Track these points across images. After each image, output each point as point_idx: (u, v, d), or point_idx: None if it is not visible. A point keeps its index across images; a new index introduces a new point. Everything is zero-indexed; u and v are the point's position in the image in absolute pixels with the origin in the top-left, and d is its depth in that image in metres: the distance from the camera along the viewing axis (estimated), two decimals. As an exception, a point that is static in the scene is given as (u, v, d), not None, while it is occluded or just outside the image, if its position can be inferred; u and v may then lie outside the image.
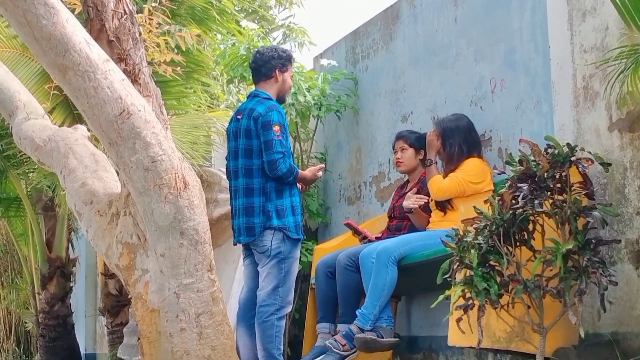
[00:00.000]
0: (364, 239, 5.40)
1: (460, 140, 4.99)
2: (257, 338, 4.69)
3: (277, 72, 4.89)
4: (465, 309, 3.90)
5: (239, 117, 4.88)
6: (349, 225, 5.48)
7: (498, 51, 5.20)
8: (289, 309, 4.76)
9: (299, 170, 4.87)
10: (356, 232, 5.45)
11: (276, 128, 4.69)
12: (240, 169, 4.79)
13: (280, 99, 4.97)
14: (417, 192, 5.31)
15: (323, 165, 5.24)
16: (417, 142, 5.40)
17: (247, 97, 5.00)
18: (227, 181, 5.04)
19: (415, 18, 5.99)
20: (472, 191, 4.83)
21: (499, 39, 5.20)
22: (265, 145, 4.70)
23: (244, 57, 6.24)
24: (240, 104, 5.10)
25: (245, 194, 4.75)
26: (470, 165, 4.90)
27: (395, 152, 5.49)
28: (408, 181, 5.53)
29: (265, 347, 4.64)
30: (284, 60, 4.92)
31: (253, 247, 4.78)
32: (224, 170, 5.15)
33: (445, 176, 4.97)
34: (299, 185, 4.93)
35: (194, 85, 7.35)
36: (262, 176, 4.74)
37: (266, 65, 4.88)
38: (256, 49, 5.03)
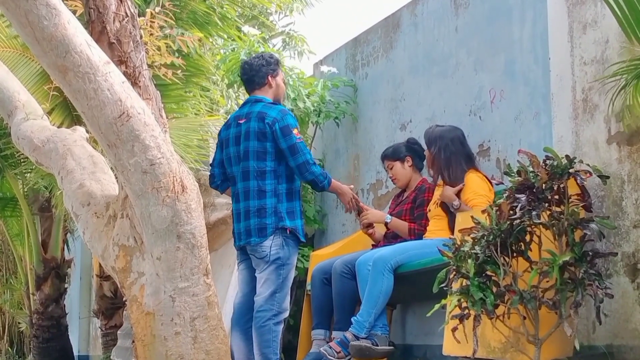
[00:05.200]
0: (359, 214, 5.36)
1: (455, 153, 4.97)
2: (254, 343, 4.69)
3: (269, 78, 4.94)
4: (461, 318, 3.89)
5: (240, 121, 4.86)
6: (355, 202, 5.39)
7: (498, 61, 5.21)
8: (286, 314, 4.77)
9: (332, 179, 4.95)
10: (360, 212, 5.38)
11: (295, 131, 4.77)
12: (251, 172, 4.76)
13: (277, 103, 4.99)
14: (414, 200, 5.32)
15: (352, 185, 5.30)
16: (394, 154, 5.46)
17: (246, 103, 4.98)
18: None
19: (416, 27, 6.00)
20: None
21: (499, 50, 5.21)
22: (291, 150, 4.73)
23: (244, 61, 6.24)
24: (236, 111, 5.09)
25: (257, 196, 4.74)
26: (476, 184, 4.85)
27: (387, 172, 5.55)
28: (404, 189, 5.54)
29: (263, 352, 4.65)
30: (274, 66, 4.97)
31: (251, 253, 4.78)
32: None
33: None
34: (343, 200, 5.00)
35: (194, 89, 7.36)
36: (274, 178, 4.76)
37: (258, 73, 4.93)
38: (243, 61, 5.06)
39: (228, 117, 5.24)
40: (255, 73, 4.93)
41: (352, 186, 5.19)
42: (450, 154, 4.95)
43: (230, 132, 4.92)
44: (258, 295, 4.71)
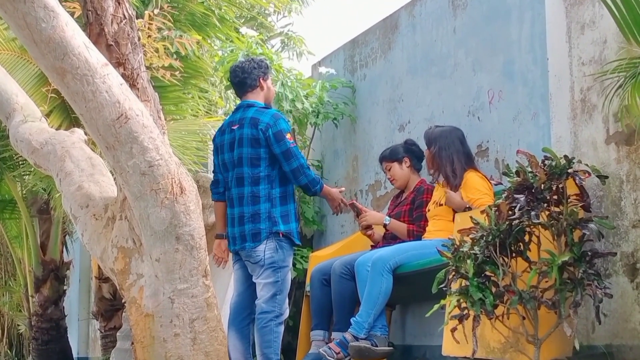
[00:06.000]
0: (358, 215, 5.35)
1: (455, 152, 4.97)
2: (257, 343, 4.74)
3: (261, 80, 4.96)
4: (460, 318, 3.89)
5: (234, 127, 4.87)
6: (353, 206, 5.39)
7: (496, 62, 5.21)
8: (286, 315, 4.81)
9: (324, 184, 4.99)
10: (358, 213, 5.38)
11: (289, 136, 4.79)
12: (246, 178, 4.79)
13: (269, 108, 5.01)
14: (412, 201, 5.32)
15: (343, 188, 5.33)
16: (392, 155, 5.45)
17: (239, 108, 4.99)
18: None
19: (414, 28, 6.00)
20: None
21: (497, 50, 5.21)
22: (285, 155, 4.76)
23: (234, 65, 6.23)
24: (229, 116, 5.09)
25: (251, 201, 4.76)
26: (479, 183, 4.84)
27: (385, 174, 5.55)
28: (403, 190, 5.53)
29: (264, 352, 4.69)
30: (264, 69, 5.00)
31: (246, 259, 4.81)
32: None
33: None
34: (331, 205, 5.05)
35: (192, 91, 7.36)
36: (268, 183, 4.78)
37: (250, 75, 4.95)
38: (234, 65, 5.08)
39: (222, 122, 5.24)
40: (247, 75, 4.94)
41: (342, 189, 5.22)
42: (450, 153, 4.95)
43: (225, 138, 4.93)
44: (259, 299, 4.74)
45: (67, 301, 9.51)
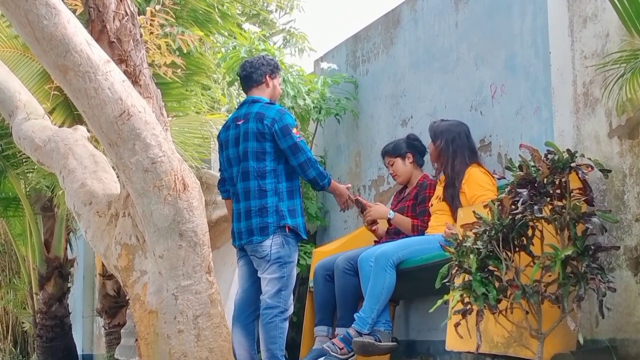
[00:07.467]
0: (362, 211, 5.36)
1: (461, 146, 4.96)
2: (261, 339, 4.75)
3: (267, 77, 4.98)
4: (464, 313, 3.89)
5: (239, 122, 4.89)
6: (357, 202, 5.39)
7: (498, 56, 5.20)
8: (291, 311, 4.82)
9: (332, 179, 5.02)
10: (363, 209, 5.38)
11: (295, 130, 4.82)
12: (251, 172, 4.79)
13: (274, 103, 5.03)
14: (415, 196, 5.31)
15: (350, 184, 5.38)
16: (394, 150, 5.45)
17: (243, 104, 5.02)
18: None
19: (416, 22, 5.99)
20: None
21: (499, 44, 5.20)
22: (292, 149, 4.78)
23: (245, 60, 6.24)
24: (234, 112, 5.12)
25: (258, 195, 4.77)
26: (481, 178, 4.83)
27: (388, 168, 5.55)
28: (406, 186, 5.53)
29: (269, 348, 4.69)
30: (273, 67, 5.03)
31: (252, 254, 4.81)
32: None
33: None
34: (339, 201, 5.08)
35: (195, 88, 7.36)
36: (274, 177, 4.80)
37: (257, 71, 4.98)
38: (244, 59, 5.14)
39: (227, 119, 5.25)
40: (254, 70, 4.97)
41: (349, 185, 5.24)
42: (456, 147, 4.95)
43: (230, 133, 4.95)
44: (264, 294, 4.75)
45: (71, 298, 9.52)
